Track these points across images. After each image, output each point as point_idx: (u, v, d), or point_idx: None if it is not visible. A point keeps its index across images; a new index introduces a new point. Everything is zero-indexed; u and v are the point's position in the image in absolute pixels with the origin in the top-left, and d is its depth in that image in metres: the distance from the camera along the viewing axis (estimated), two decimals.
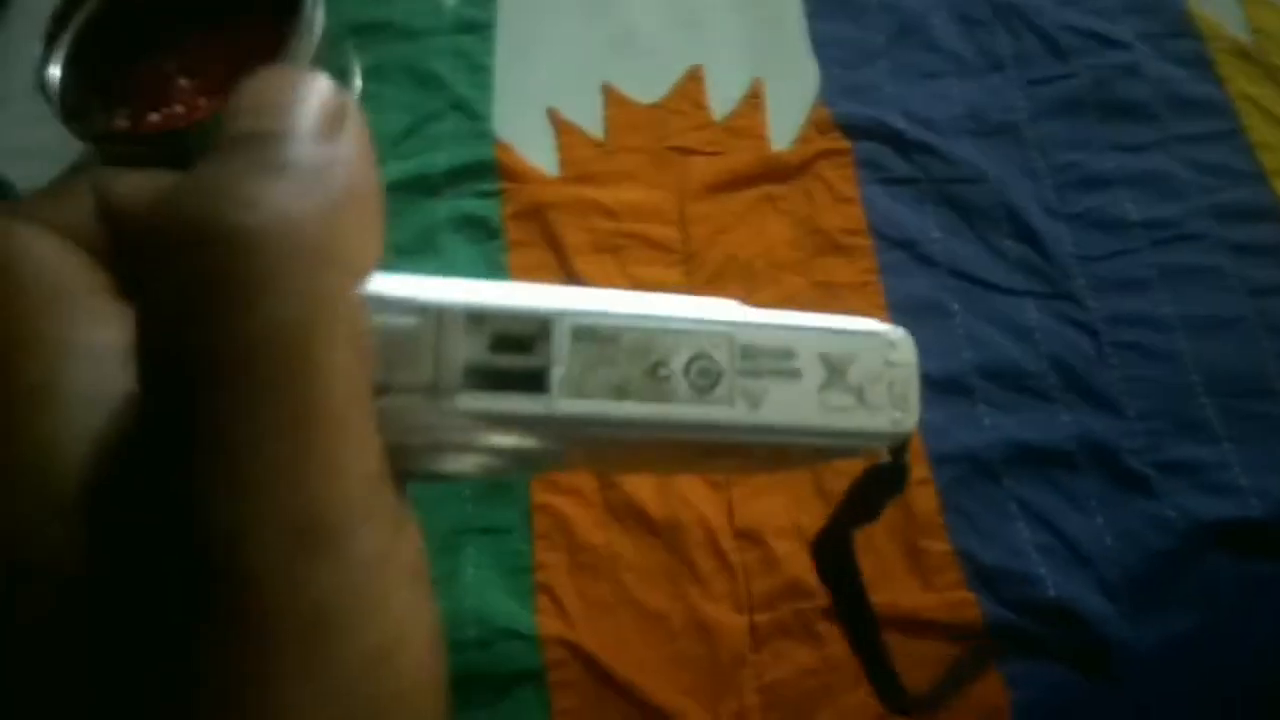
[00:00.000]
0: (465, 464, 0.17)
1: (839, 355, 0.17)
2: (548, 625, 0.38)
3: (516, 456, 0.16)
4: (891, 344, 0.18)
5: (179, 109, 0.49)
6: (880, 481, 0.21)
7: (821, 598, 0.38)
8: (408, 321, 0.15)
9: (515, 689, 0.37)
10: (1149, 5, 0.52)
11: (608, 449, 0.17)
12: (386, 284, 0.15)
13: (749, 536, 0.40)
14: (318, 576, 0.13)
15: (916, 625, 0.38)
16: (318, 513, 0.13)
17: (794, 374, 0.16)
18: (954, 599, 0.38)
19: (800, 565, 0.39)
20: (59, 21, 0.46)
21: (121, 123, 0.47)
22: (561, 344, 0.15)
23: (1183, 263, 0.44)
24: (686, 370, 0.16)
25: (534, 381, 0.15)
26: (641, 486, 0.41)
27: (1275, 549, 0.38)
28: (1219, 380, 0.42)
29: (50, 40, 0.45)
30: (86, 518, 0.13)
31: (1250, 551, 0.38)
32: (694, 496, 0.40)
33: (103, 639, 0.13)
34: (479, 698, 0.37)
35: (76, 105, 0.45)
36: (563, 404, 0.15)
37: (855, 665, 0.38)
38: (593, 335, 0.15)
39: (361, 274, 0.14)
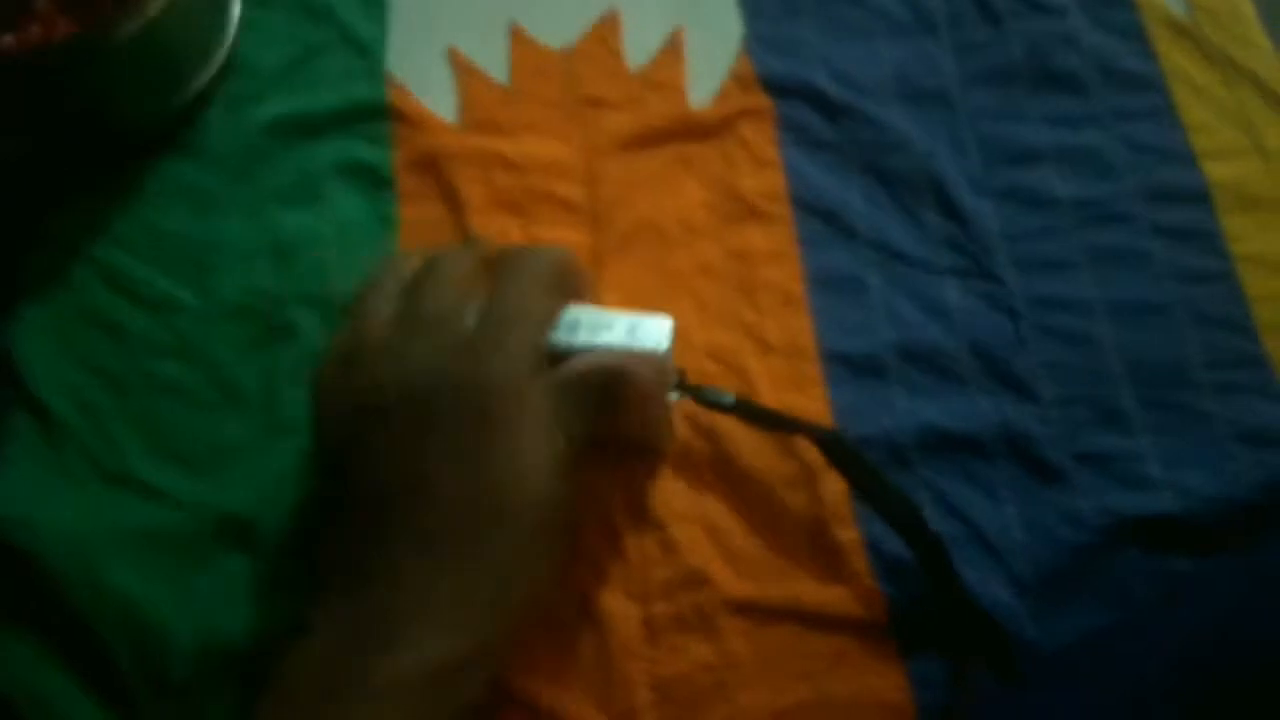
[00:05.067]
0: None
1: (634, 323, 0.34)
2: None
3: None
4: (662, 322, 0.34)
5: (36, 30, 0.44)
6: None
7: (722, 588, 0.36)
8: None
9: None
10: None
11: None
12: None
13: (648, 521, 0.37)
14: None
15: (820, 620, 0.36)
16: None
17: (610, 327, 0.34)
18: (860, 591, 0.36)
19: (701, 554, 0.37)
20: None
21: None
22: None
23: (1110, 244, 0.43)
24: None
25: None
26: None
27: (1190, 545, 0.37)
28: (1140, 369, 0.40)
29: None
30: None
31: (1164, 548, 0.37)
32: (590, 475, 0.37)
33: None
34: None
35: None
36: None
37: (754, 662, 0.36)
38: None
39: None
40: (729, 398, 0.36)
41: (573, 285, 0.36)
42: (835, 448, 0.36)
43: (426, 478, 0.30)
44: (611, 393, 0.34)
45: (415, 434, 0.31)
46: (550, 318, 0.33)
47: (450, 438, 0.30)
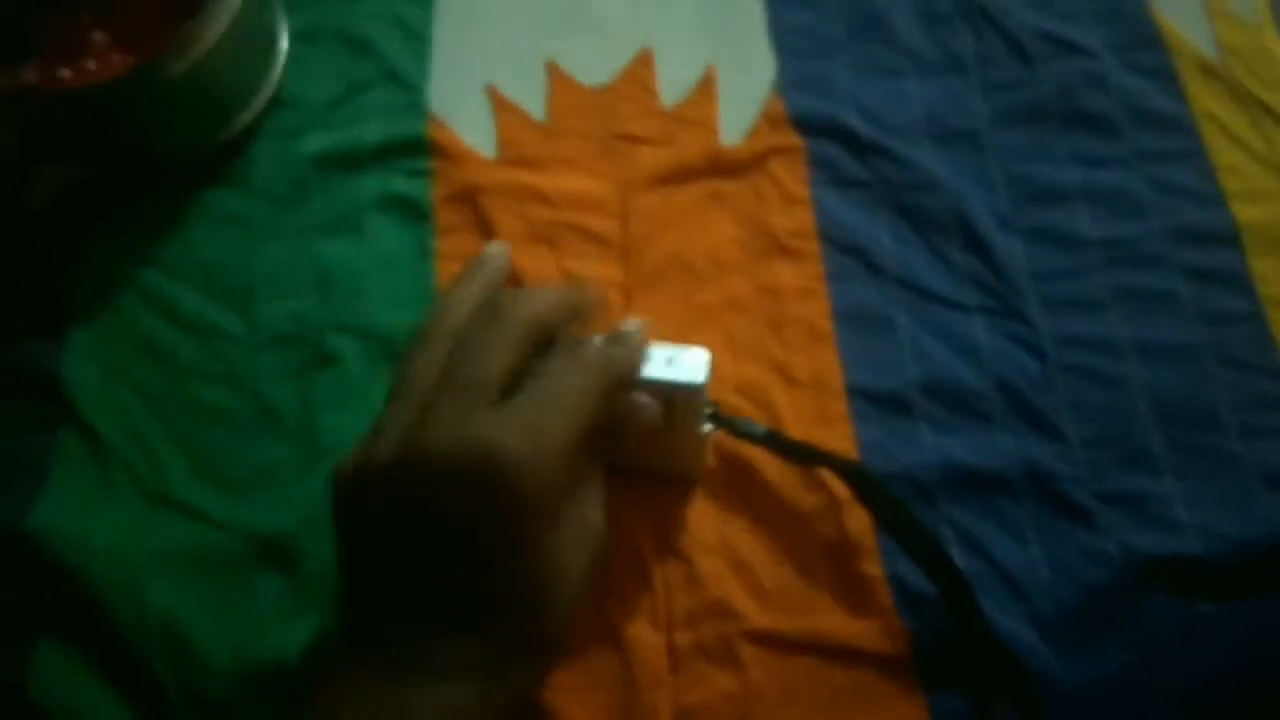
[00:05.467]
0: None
1: (671, 355, 0.35)
2: None
3: None
4: (699, 354, 0.35)
5: (92, 65, 0.46)
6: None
7: (746, 620, 0.37)
8: None
9: None
10: (1117, 13, 0.50)
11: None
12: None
13: (673, 552, 0.38)
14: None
15: (843, 653, 0.36)
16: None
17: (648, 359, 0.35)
18: (883, 626, 0.36)
19: (725, 585, 0.37)
20: None
21: (30, 77, 0.44)
22: None
23: (1137, 285, 0.43)
24: None
25: None
26: None
27: (1214, 588, 0.37)
28: (1167, 410, 0.40)
29: None
30: None
31: (1188, 590, 0.37)
32: (617, 504, 0.38)
33: None
34: None
35: None
36: None
37: (776, 693, 0.36)
38: None
39: None
40: (760, 429, 0.37)
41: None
42: (862, 481, 0.37)
43: (434, 558, 0.30)
44: (630, 426, 0.34)
45: (423, 514, 0.30)
46: (589, 409, 0.32)
47: (468, 545, 0.30)
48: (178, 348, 0.42)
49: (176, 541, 0.38)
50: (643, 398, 0.34)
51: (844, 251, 0.44)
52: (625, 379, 0.34)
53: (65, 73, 0.45)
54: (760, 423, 0.38)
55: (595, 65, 0.49)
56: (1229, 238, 0.44)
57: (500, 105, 0.47)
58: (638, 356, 0.34)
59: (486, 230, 0.44)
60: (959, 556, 0.38)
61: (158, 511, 0.39)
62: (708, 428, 0.37)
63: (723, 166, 0.46)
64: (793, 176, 0.45)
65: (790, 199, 0.45)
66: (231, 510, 0.39)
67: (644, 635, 0.37)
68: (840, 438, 0.40)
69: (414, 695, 0.29)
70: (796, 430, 0.40)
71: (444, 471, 0.29)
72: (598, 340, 0.34)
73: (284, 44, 0.48)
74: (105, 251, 0.44)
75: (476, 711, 0.30)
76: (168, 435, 0.40)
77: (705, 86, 0.48)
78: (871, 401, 0.41)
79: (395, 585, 0.31)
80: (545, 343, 0.33)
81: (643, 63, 0.49)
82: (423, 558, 0.30)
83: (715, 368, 0.41)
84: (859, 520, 0.38)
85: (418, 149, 0.46)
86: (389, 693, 0.29)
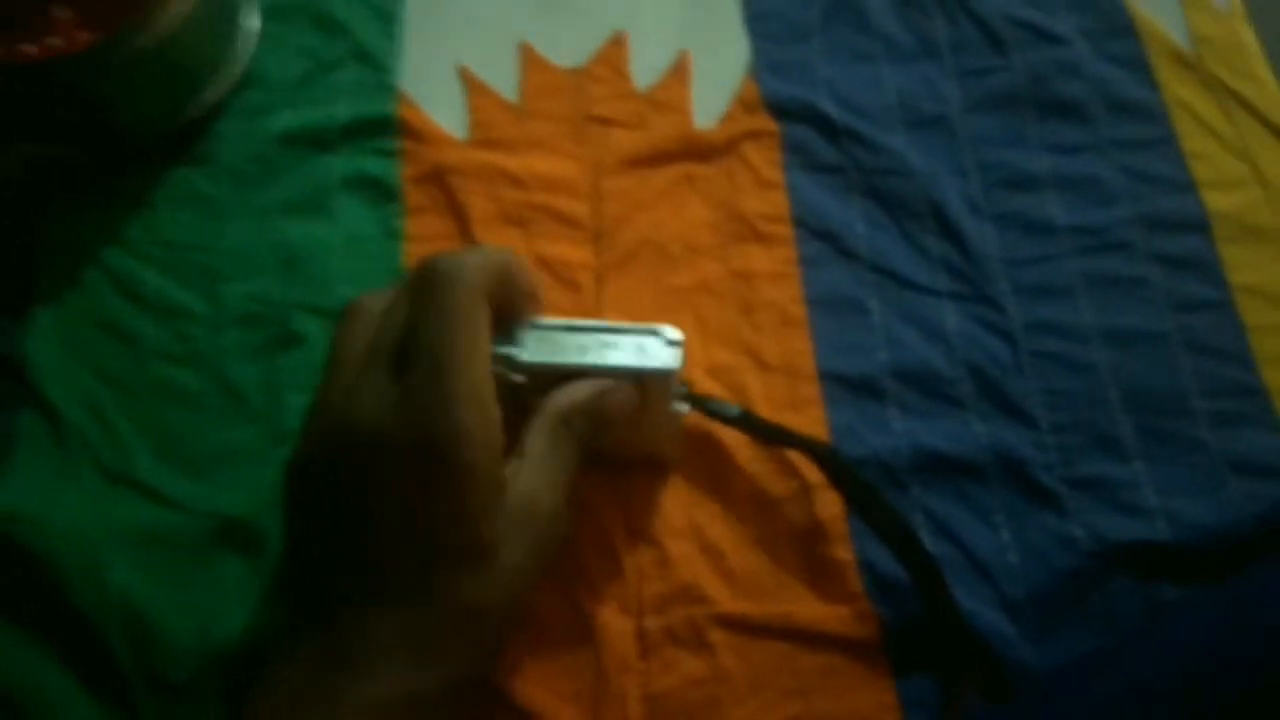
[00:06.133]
0: None
1: (641, 342, 0.34)
2: None
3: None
4: (671, 335, 0.35)
5: (57, 41, 0.45)
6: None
7: (716, 604, 0.36)
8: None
9: None
10: (1092, 2, 0.50)
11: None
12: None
13: (643, 537, 0.38)
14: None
15: (813, 638, 0.36)
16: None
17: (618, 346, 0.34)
18: (853, 610, 0.36)
19: (696, 569, 0.37)
20: None
21: None
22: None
23: (1108, 272, 0.43)
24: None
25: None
26: None
27: (1181, 573, 0.37)
28: (1136, 396, 0.40)
29: None
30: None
31: (1155, 575, 0.37)
32: (588, 490, 0.38)
33: None
34: None
35: None
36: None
37: (746, 678, 0.36)
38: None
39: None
40: (734, 410, 0.37)
41: (516, 288, 0.33)
42: (832, 464, 0.37)
43: (372, 529, 0.30)
44: (603, 419, 0.34)
45: (359, 489, 0.30)
46: (484, 341, 0.31)
47: (391, 499, 0.30)
48: (142, 328, 0.41)
49: (138, 522, 0.37)
50: (619, 392, 0.34)
51: (817, 236, 0.44)
52: (505, 276, 0.33)
53: (29, 49, 0.44)
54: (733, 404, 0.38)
55: (568, 48, 0.48)
56: (1199, 225, 0.44)
57: (472, 86, 0.47)
58: (501, 257, 0.33)
59: (456, 211, 0.43)
60: (929, 541, 0.38)
61: (119, 492, 0.38)
62: (683, 408, 0.36)
63: (696, 150, 0.45)
64: (766, 160, 0.45)
65: (763, 183, 0.45)
66: (194, 491, 0.38)
67: (613, 621, 0.36)
68: (811, 422, 0.40)
69: (345, 688, 0.29)
70: (768, 414, 0.40)
71: (373, 438, 0.29)
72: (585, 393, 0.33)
73: (253, 22, 0.47)
74: (70, 230, 0.43)
75: (410, 699, 0.29)
76: (130, 416, 0.39)
77: (679, 70, 0.48)
78: (843, 386, 0.41)
79: (335, 563, 0.31)
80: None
81: (616, 45, 0.48)
82: (360, 528, 0.30)
83: (687, 351, 0.40)
84: (830, 506, 0.38)
85: (387, 129, 0.45)
86: (322, 685, 0.29)
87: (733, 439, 0.39)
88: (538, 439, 0.32)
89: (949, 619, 0.35)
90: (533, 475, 0.32)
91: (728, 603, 0.37)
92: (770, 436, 0.37)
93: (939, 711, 0.35)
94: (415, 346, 0.30)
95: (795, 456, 0.38)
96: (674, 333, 0.35)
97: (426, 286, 0.31)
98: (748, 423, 0.37)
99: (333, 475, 0.31)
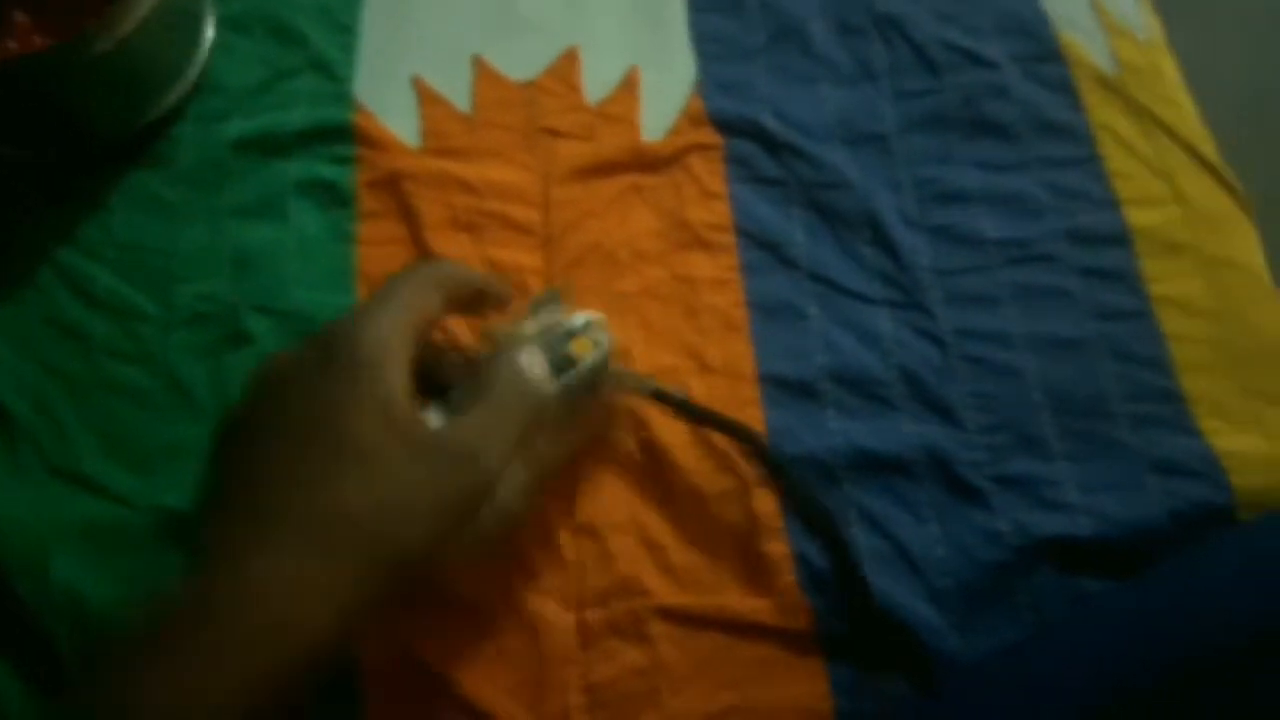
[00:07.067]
0: None
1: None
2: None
3: None
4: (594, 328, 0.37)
5: (13, 45, 0.46)
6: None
7: (656, 596, 0.37)
8: None
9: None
10: (1022, 28, 0.52)
11: None
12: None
13: (586, 531, 0.39)
14: None
15: (748, 629, 0.37)
16: None
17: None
18: (787, 603, 0.37)
19: (636, 563, 0.38)
20: None
21: None
22: None
23: (1034, 283, 0.45)
24: None
25: None
26: None
27: (1102, 567, 0.39)
28: (1060, 400, 0.42)
29: None
30: None
31: (1078, 568, 0.39)
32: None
33: None
34: None
35: None
36: None
37: (684, 669, 0.37)
38: None
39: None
40: (651, 384, 0.39)
41: (467, 296, 0.36)
42: (746, 438, 0.39)
43: (271, 464, 0.31)
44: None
45: (270, 416, 0.32)
46: (405, 350, 0.33)
47: (296, 401, 0.32)
48: (92, 327, 0.42)
49: (83, 516, 0.38)
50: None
51: (758, 245, 0.45)
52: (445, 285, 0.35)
53: None
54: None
55: (522, 62, 0.50)
56: (1121, 239, 0.46)
57: (426, 96, 0.48)
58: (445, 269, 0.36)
59: (408, 216, 0.44)
60: (862, 535, 0.39)
61: (65, 487, 0.38)
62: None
63: (643, 161, 0.47)
64: (711, 172, 0.47)
65: (708, 194, 0.46)
66: (140, 487, 0.38)
67: (555, 613, 0.37)
68: (751, 422, 0.41)
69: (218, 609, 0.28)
70: None
71: (312, 352, 0.32)
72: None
73: (210, 30, 0.48)
74: (24, 230, 0.44)
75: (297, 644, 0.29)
76: (78, 412, 0.40)
77: (628, 86, 0.49)
78: (782, 388, 0.42)
79: (253, 499, 0.31)
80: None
81: (568, 61, 0.50)
82: (259, 468, 0.31)
83: (632, 354, 0.42)
84: (767, 502, 0.39)
85: (342, 135, 0.46)
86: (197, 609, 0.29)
87: (675, 438, 0.40)
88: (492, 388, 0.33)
89: (859, 591, 0.37)
90: (475, 424, 0.32)
91: (668, 595, 0.37)
92: (688, 414, 0.40)
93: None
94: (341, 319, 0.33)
95: (734, 453, 0.39)
96: (595, 321, 0.38)
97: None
98: (665, 398, 0.39)
99: (251, 415, 0.33)
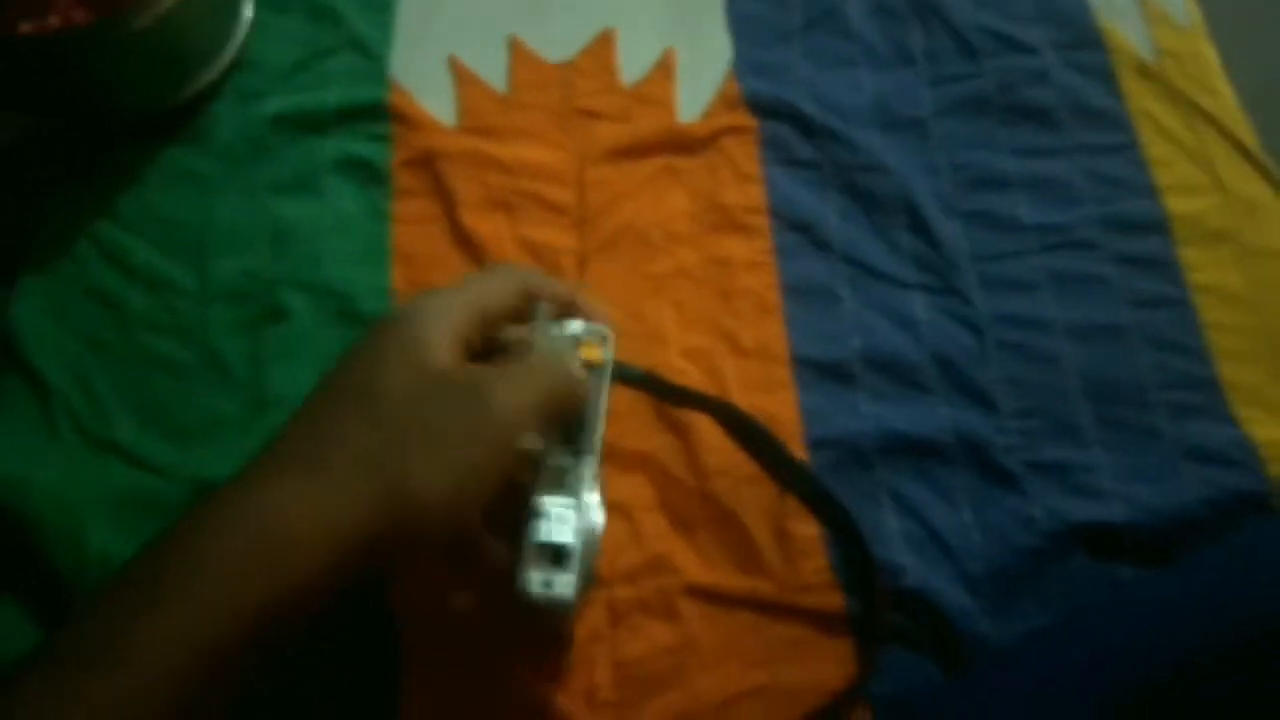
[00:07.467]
0: None
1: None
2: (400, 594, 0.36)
3: None
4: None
5: (54, 20, 0.46)
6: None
7: (686, 575, 0.37)
8: None
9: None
10: (1061, 15, 0.52)
11: None
12: None
13: (616, 509, 0.39)
14: None
15: (778, 609, 0.37)
16: None
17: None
18: (818, 584, 0.37)
19: (667, 541, 0.38)
20: None
21: None
22: None
23: (1071, 269, 0.45)
24: None
25: None
26: None
27: (1134, 553, 0.38)
28: (1095, 386, 0.42)
29: None
30: None
31: (1110, 555, 0.38)
32: None
33: None
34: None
35: None
36: None
37: (713, 647, 0.37)
38: None
39: None
40: (638, 371, 0.39)
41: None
42: (732, 420, 0.39)
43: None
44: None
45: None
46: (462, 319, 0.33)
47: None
48: (129, 299, 0.42)
49: (119, 486, 0.38)
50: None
51: (793, 228, 0.45)
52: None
53: (25, 26, 0.45)
54: (707, 390, 0.40)
55: (557, 43, 0.50)
56: (1159, 227, 0.46)
57: (462, 76, 0.48)
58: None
59: (443, 194, 0.45)
60: (895, 520, 0.39)
61: (101, 457, 0.39)
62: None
63: (678, 143, 0.47)
64: (745, 155, 0.47)
65: (743, 176, 0.46)
66: (176, 458, 0.39)
67: None
68: (783, 405, 0.41)
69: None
70: (742, 397, 0.41)
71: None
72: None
73: (249, 10, 0.48)
74: (63, 203, 0.44)
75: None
76: (115, 383, 0.40)
77: (664, 67, 0.49)
78: (815, 371, 0.42)
79: (273, 443, 0.31)
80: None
81: (604, 42, 0.50)
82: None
83: (664, 335, 0.42)
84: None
85: (378, 114, 0.46)
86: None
87: (704, 418, 0.40)
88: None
89: (862, 559, 0.37)
90: (495, 371, 0.32)
91: (697, 574, 0.37)
92: (672, 397, 0.40)
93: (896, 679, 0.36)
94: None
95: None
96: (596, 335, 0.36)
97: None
98: (651, 384, 0.39)
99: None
